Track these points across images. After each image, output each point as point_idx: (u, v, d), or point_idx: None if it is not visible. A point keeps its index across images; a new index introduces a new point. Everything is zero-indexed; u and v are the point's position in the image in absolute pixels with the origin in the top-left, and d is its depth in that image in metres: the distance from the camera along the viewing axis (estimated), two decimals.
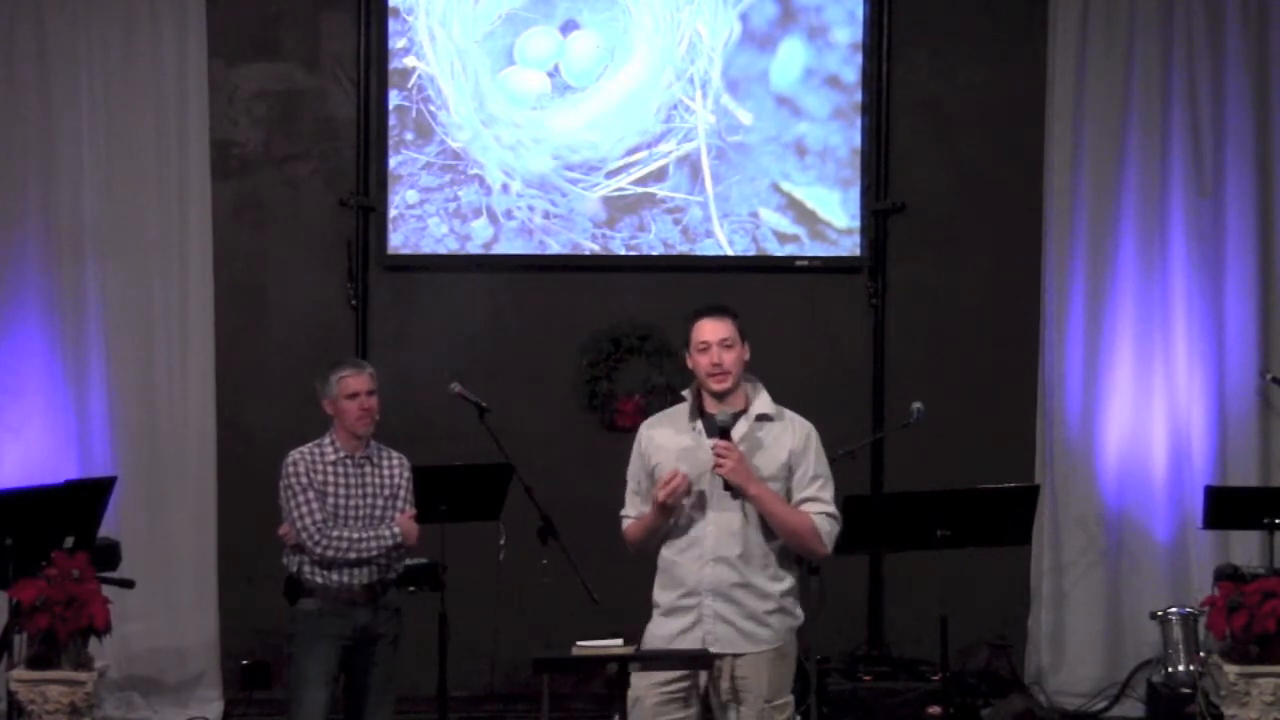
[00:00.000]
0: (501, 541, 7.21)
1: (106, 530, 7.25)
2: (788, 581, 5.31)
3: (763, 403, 5.32)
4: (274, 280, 8.58)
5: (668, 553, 5.30)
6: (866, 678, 8.45)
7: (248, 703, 8.30)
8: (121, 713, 8.13)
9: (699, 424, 5.29)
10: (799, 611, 5.38)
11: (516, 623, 8.14)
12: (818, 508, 5.26)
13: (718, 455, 5.15)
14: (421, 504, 6.68)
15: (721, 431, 5.19)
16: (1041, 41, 8.57)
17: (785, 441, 5.28)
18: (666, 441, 5.30)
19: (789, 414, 5.36)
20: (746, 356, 5.32)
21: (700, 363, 5.28)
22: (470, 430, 7.29)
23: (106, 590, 6.52)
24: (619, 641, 5.08)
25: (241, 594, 8.30)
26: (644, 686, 5.18)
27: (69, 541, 6.70)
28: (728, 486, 5.18)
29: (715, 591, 5.21)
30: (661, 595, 5.33)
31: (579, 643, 4.99)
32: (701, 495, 5.24)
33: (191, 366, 8.31)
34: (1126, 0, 8.49)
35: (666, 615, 5.29)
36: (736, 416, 5.25)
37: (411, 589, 7.36)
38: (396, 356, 8.54)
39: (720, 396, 5.26)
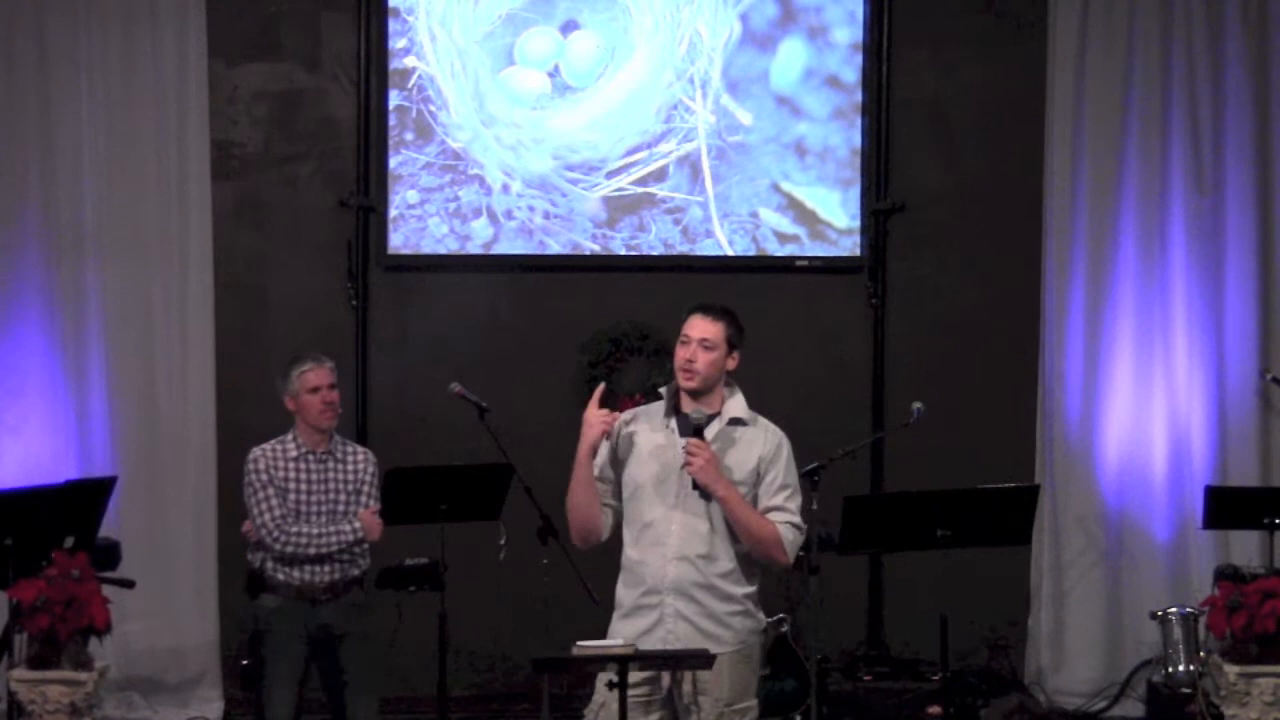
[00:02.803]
0: (501, 541, 7.20)
1: (106, 530, 7.24)
2: (750, 587, 5.30)
3: (737, 407, 5.31)
4: (274, 280, 8.58)
5: (633, 552, 5.28)
6: (866, 678, 8.46)
7: (248, 703, 8.29)
8: (121, 713, 8.13)
9: (672, 422, 5.29)
10: (761, 616, 5.39)
11: (516, 623, 8.14)
12: (783, 517, 5.25)
13: (688, 453, 5.15)
14: (421, 504, 6.69)
15: (695, 430, 5.19)
16: (1041, 41, 8.57)
17: (756, 448, 5.27)
18: (638, 436, 5.29)
19: (763, 421, 5.35)
20: (731, 366, 5.29)
21: (677, 355, 5.30)
22: (470, 430, 7.29)
23: (106, 590, 6.51)
24: (619, 641, 5.08)
25: (242, 594, 8.27)
26: (609, 693, 5.16)
27: (69, 541, 6.69)
28: (696, 486, 5.17)
29: (678, 590, 5.19)
30: (624, 593, 5.31)
31: (579, 643, 4.99)
32: (669, 493, 5.22)
33: (191, 366, 8.31)
34: (1126, 0, 8.49)
35: (628, 616, 5.26)
36: (711, 418, 5.24)
37: (411, 589, 7.37)
38: (396, 356, 8.54)
39: (692, 395, 5.26)
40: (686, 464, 5.16)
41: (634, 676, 5.09)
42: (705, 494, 5.17)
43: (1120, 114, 8.51)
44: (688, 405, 5.27)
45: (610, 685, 4.89)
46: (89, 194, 8.23)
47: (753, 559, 5.29)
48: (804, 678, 7.52)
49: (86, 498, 6.96)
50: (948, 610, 6.84)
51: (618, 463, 5.32)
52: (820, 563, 7.15)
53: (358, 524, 6.37)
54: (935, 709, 7.90)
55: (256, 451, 6.41)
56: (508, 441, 7.11)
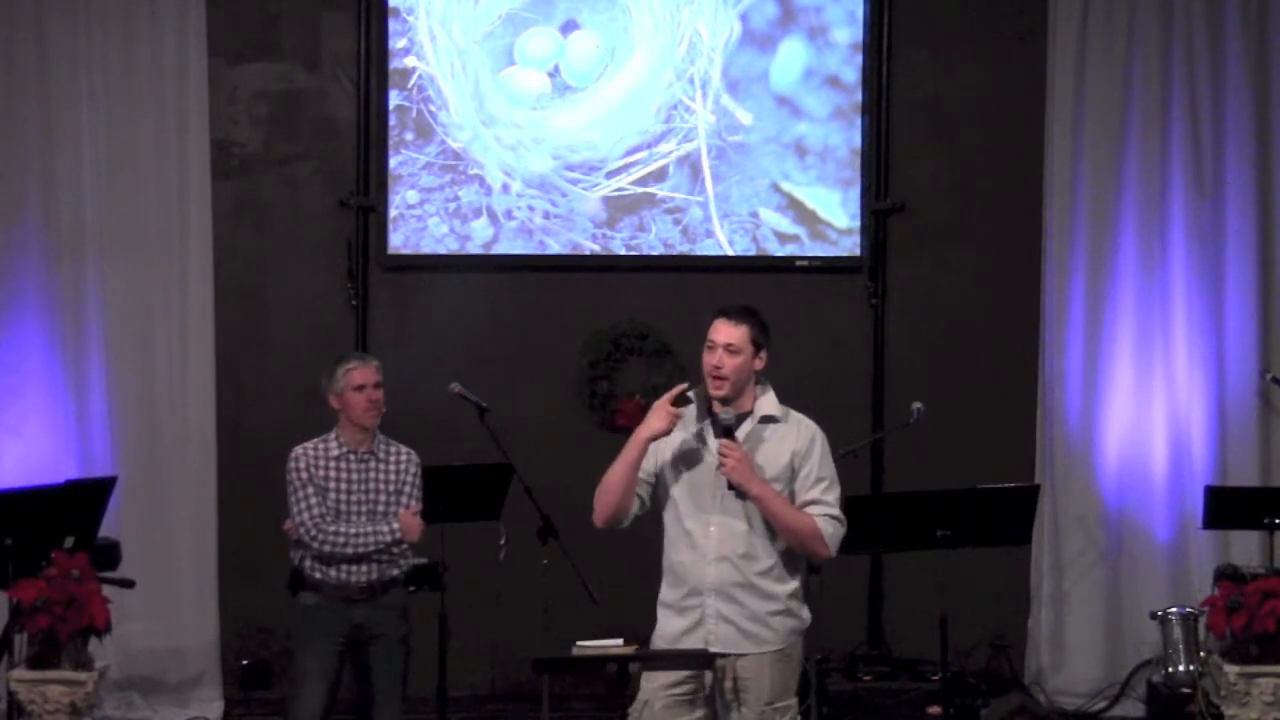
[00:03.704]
0: (501, 541, 7.21)
1: (106, 530, 7.25)
2: (793, 583, 5.31)
3: (768, 404, 5.31)
4: (274, 280, 8.58)
5: (673, 554, 5.30)
6: (866, 678, 8.45)
7: (248, 703, 8.30)
8: (121, 713, 8.12)
9: (706, 424, 5.29)
10: (805, 614, 5.38)
11: (516, 623, 8.14)
12: (821, 510, 5.25)
13: (720, 455, 5.16)
14: (422, 504, 6.69)
15: (726, 431, 5.20)
16: (1041, 41, 8.57)
17: (789, 443, 5.27)
18: (674, 438, 5.30)
19: (795, 415, 5.35)
20: (759, 366, 5.29)
21: (705, 361, 5.30)
22: (470, 430, 7.29)
23: (106, 590, 6.52)
24: (619, 641, 5.09)
25: (241, 594, 8.30)
26: (652, 689, 5.20)
27: (69, 541, 6.70)
28: (731, 486, 5.18)
29: (718, 591, 5.21)
30: (668, 593, 5.32)
31: (579, 643, 5.00)
32: (705, 495, 5.24)
33: (191, 366, 8.31)
34: (1126, 0, 8.49)
35: (677, 615, 5.28)
36: (741, 418, 5.25)
37: (411, 589, 7.36)
38: (396, 356, 8.52)
39: (722, 400, 5.27)
40: (720, 465, 5.17)
41: (676, 675, 5.18)
42: (741, 495, 5.18)
43: (1120, 114, 8.51)
44: (719, 406, 5.28)
45: (610, 684, 4.90)
46: (89, 194, 8.23)
47: (794, 555, 5.29)
48: (804, 678, 7.51)
49: (86, 498, 6.96)
50: (948, 610, 6.85)
51: (658, 462, 5.33)
52: (821, 563, 7.16)
53: (396, 525, 6.36)
54: (935, 709, 7.90)
55: (298, 450, 6.40)
56: (508, 441, 7.11)
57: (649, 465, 5.32)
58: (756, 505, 5.19)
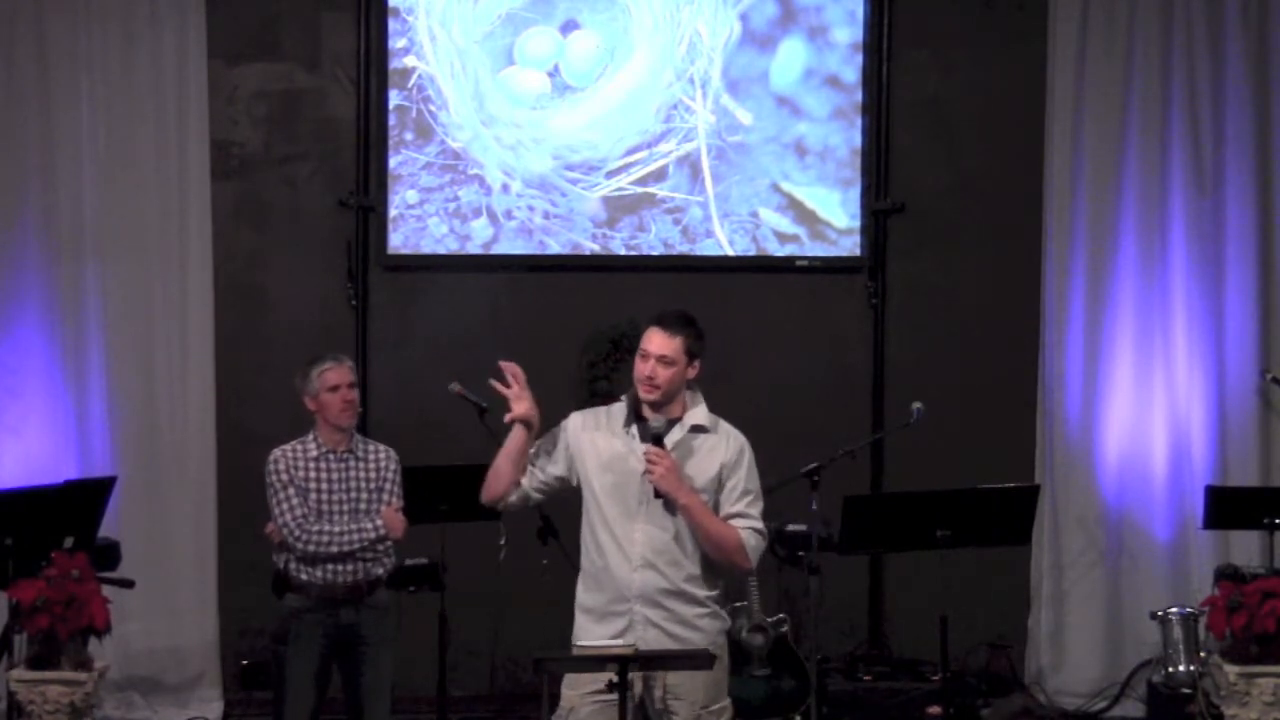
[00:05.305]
0: (502, 541, 7.21)
1: (106, 530, 7.25)
2: (717, 589, 5.27)
3: (699, 413, 5.27)
4: (274, 280, 8.58)
5: (596, 557, 5.24)
6: (866, 678, 8.46)
7: (248, 703, 8.30)
8: (121, 713, 8.12)
9: (633, 429, 5.25)
10: (726, 615, 5.36)
11: (516, 623, 8.14)
12: (745, 523, 5.21)
13: (649, 461, 5.11)
14: (421, 504, 6.68)
15: (655, 438, 5.15)
16: (1041, 41, 8.57)
17: (718, 454, 5.23)
18: (598, 442, 5.26)
19: (725, 426, 5.31)
20: (692, 375, 5.25)
21: (637, 368, 5.25)
22: (470, 430, 7.29)
23: (106, 590, 6.51)
24: (619, 641, 5.08)
25: (241, 594, 8.29)
26: (575, 696, 5.14)
27: (69, 541, 6.69)
28: (658, 494, 5.14)
29: (644, 597, 5.16)
30: (590, 598, 5.25)
31: (579, 643, 4.99)
32: (631, 501, 5.19)
33: (191, 366, 8.30)
34: (1126, 0, 8.49)
35: (598, 621, 5.22)
36: (671, 424, 5.20)
37: (411, 589, 7.37)
38: (396, 356, 8.54)
39: (653, 407, 5.22)
40: (647, 472, 5.12)
41: (601, 680, 5.02)
42: (668, 503, 5.14)
43: (1120, 114, 8.51)
44: (649, 412, 5.23)
45: (610, 685, 4.88)
46: (89, 194, 8.22)
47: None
48: (804, 678, 7.52)
49: (86, 498, 6.96)
50: (948, 610, 6.85)
51: (570, 464, 5.29)
52: (820, 563, 7.16)
53: (379, 521, 6.38)
54: (935, 709, 7.90)
55: (276, 453, 6.42)
56: None
57: (556, 469, 5.30)
58: (682, 514, 5.14)
